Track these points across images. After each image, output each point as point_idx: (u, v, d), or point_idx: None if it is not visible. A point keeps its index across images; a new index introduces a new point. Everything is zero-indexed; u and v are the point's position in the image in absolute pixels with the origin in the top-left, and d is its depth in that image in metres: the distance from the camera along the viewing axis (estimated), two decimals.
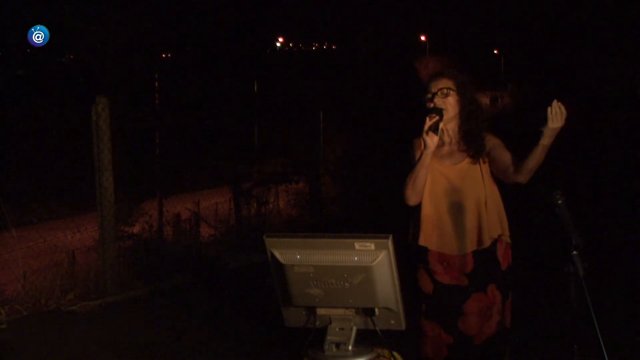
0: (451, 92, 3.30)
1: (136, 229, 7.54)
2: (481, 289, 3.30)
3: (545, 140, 3.05)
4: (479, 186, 3.30)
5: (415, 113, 3.37)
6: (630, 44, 12.87)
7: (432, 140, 3.20)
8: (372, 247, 2.51)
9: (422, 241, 3.31)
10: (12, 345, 5.14)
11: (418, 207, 3.34)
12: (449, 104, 3.29)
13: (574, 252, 2.64)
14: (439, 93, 3.30)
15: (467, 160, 3.32)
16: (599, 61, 13.55)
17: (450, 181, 3.32)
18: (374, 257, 2.51)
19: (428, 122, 3.20)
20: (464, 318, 3.29)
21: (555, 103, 2.99)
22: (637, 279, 6.13)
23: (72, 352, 5.02)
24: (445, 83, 3.32)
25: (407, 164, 3.37)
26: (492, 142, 3.33)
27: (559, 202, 2.67)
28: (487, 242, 3.28)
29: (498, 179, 3.35)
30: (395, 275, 2.54)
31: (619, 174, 10.36)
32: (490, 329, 3.30)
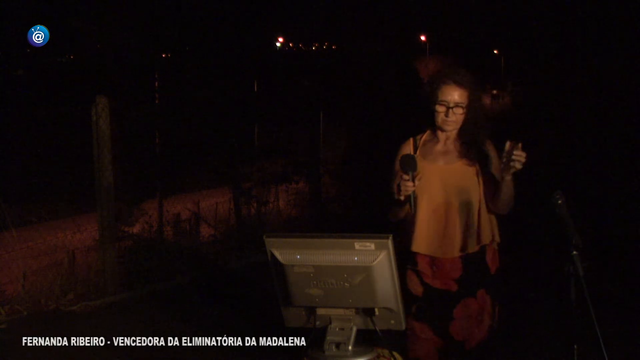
0: (464, 108, 3.18)
1: (136, 229, 7.53)
2: (471, 294, 3.23)
3: (508, 175, 3.01)
4: (474, 189, 3.20)
5: (417, 112, 3.31)
6: (632, 44, 12.86)
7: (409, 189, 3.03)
8: (372, 247, 2.50)
9: (414, 246, 3.22)
10: (12, 345, 5.14)
11: None
12: (459, 119, 3.19)
13: (574, 252, 2.64)
14: (454, 109, 3.17)
15: (464, 161, 3.22)
16: (600, 61, 13.55)
17: (444, 182, 3.21)
18: (374, 257, 2.50)
19: (406, 187, 2.99)
20: (454, 323, 3.24)
21: (510, 147, 2.91)
22: (637, 278, 6.13)
23: (71, 352, 5.01)
24: (461, 96, 3.17)
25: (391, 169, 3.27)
26: (492, 154, 3.22)
27: (559, 202, 2.66)
28: (476, 247, 3.21)
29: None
30: (395, 275, 2.54)
31: (620, 174, 10.36)
32: (481, 333, 3.24)
